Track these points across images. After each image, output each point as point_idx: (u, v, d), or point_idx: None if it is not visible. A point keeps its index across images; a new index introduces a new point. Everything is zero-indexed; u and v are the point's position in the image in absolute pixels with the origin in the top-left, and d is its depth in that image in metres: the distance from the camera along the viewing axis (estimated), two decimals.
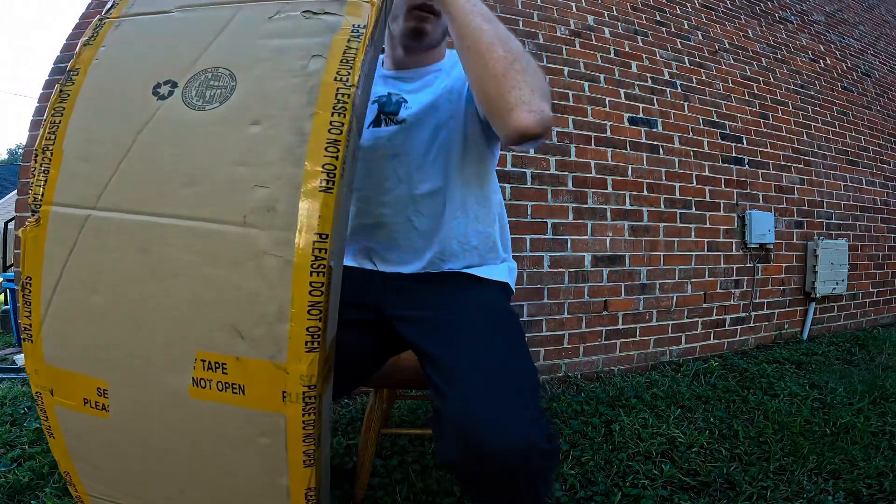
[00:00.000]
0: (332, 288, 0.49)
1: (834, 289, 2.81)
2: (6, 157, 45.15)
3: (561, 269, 2.14)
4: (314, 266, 0.45)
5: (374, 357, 0.87)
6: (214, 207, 0.46)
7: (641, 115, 2.40)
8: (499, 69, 0.62)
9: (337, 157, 0.46)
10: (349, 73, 0.47)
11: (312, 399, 0.47)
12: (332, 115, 0.46)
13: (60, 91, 0.53)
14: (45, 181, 0.50)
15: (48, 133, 0.51)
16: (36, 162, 0.51)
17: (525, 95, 0.62)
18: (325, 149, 0.46)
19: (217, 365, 0.47)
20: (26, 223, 0.51)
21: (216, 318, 0.47)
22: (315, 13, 0.50)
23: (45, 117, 0.52)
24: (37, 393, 0.54)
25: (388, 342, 0.84)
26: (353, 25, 0.49)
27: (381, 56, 0.90)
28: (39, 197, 0.50)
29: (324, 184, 0.45)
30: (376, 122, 0.83)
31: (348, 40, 0.49)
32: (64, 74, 0.54)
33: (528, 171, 2.08)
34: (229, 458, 0.50)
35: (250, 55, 0.50)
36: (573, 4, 2.45)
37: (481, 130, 0.84)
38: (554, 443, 0.60)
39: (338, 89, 0.47)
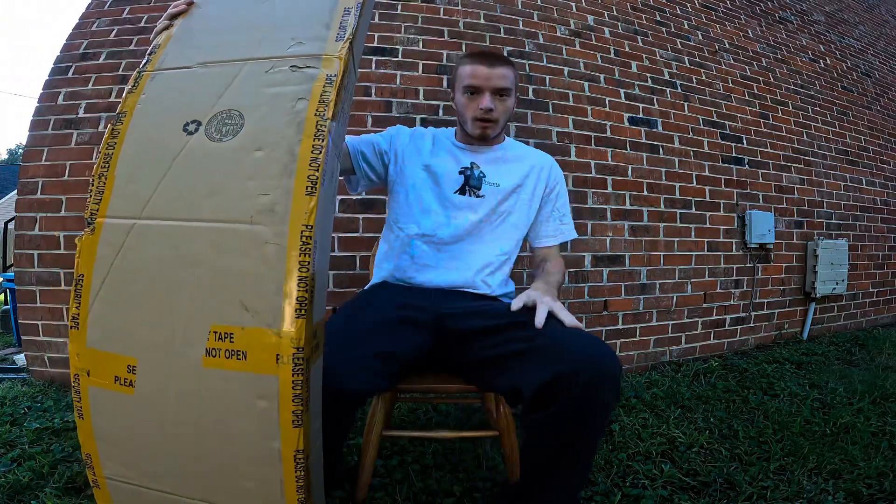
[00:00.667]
0: (316, 270, 0.60)
1: (834, 289, 2.81)
2: (6, 157, 45.15)
3: None
4: (302, 249, 0.58)
5: (422, 350, 0.98)
6: (229, 212, 0.60)
7: (641, 115, 2.40)
8: None
9: (318, 170, 0.61)
10: (325, 110, 0.63)
11: (300, 361, 0.57)
12: (314, 140, 0.62)
13: (112, 129, 0.68)
14: (101, 200, 0.65)
15: (103, 162, 0.66)
16: (93, 185, 0.66)
17: None
18: (309, 164, 0.61)
19: (226, 335, 0.58)
20: (83, 233, 0.64)
21: (228, 296, 0.59)
22: (299, 67, 0.66)
23: (100, 150, 0.67)
24: (75, 375, 0.64)
25: (437, 341, 0.99)
26: (327, 75, 0.65)
27: (454, 129, 1.21)
28: (95, 212, 0.65)
29: (309, 189, 0.60)
30: (462, 191, 1.11)
31: (324, 86, 0.64)
32: (114, 116, 0.69)
33: None
34: (231, 426, 0.59)
35: (254, 100, 0.66)
36: (573, 4, 2.45)
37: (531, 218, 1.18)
38: (622, 370, 0.79)
39: (317, 122, 0.62)
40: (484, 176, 1.13)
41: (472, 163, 1.14)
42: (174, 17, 0.77)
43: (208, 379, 0.58)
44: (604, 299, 2.21)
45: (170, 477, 0.63)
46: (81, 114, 1.95)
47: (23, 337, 1.90)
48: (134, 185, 0.64)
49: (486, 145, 1.17)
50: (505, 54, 1.01)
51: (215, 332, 0.58)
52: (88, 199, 0.65)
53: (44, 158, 1.92)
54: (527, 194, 1.16)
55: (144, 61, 0.73)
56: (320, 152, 0.62)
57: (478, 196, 1.11)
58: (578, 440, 0.80)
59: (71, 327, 0.63)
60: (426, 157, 1.14)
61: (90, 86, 1.98)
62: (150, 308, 0.61)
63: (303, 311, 0.57)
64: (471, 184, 1.12)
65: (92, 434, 0.64)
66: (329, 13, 0.71)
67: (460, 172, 1.13)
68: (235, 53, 0.70)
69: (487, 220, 1.12)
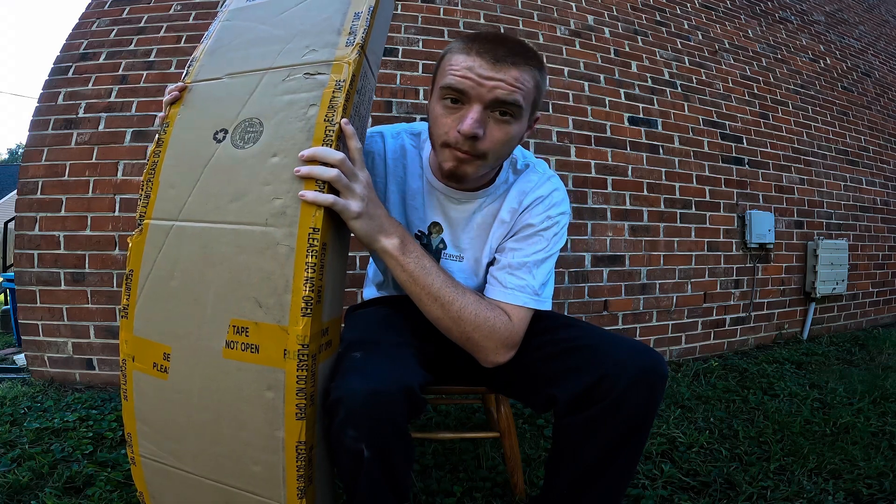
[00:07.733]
0: (327, 272, 0.64)
1: (834, 289, 2.81)
2: (6, 157, 45.17)
3: (561, 269, 2.14)
4: (308, 251, 0.62)
5: (451, 361, 0.89)
6: (248, 215, 0.65)
7: (641, 115, 2.40)
8: (454, 333, 0.73)
9: None
10: (333, 115, 0.66)
11: (305, 357, 0.61)
12: (322, 145, 0.65)
13: (158, 139, 0.74)
14: (148, 203, 0.72)
15: (150, 169, 0.73)
16: (142, 190, 0.73)
17: (489, 353, 0.74)
18: None
19: (242, 329, 0.63)
20: (133, 233, 0.71)
21: (245, 293, 0.63)
22: (312, 74, 0.69)
23: (148, 158, 0.74)
24: (122, 360, 0.71)
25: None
26: (336, 81, 0.67)
27: (425, 156, 0.87)
28: (144, 214, 0.71)
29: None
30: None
31: (333, 91, 0.67)
32: (160, 126, 0.75)
33: None
34: (243, 413, 0.63)
35: (272, 108, 0.69)
36: (573, 4, 2.45)
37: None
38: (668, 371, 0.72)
39: (326, 127, 0.65)
40: (444, 247, 0.82)
41: (432, 224, 0.82)
42: (171, 104, 0.76)
43: (227, 369, 0.64)
44: (604, 299, 2.21)
45: (190, 457, 0.68)
46: (81, 114, 1.95)
47: (23, 337, 1.90)
48: (173, 189, 0.71)
49: (464, 190, 0.81)
50: (529, 45, 0.75)
51: (234, 326, 0.63)
52: (139, 203, 0.73)
53: (44, 158, 1.92)
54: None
55: (185, 73, 0.79)
56: None
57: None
58: (624, 447, 0.70)
59: (121, 317, 0.71)
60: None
61: (90, 86, 1.98)
62: (183, 301, 0.67)
63: (308, 310, 0.61)
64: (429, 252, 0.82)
65: (133, 415, 0.71)
66: (341, 19, 0.73)
67: (416, 236, 0.82)
68: (258, 63, 0.74)
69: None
